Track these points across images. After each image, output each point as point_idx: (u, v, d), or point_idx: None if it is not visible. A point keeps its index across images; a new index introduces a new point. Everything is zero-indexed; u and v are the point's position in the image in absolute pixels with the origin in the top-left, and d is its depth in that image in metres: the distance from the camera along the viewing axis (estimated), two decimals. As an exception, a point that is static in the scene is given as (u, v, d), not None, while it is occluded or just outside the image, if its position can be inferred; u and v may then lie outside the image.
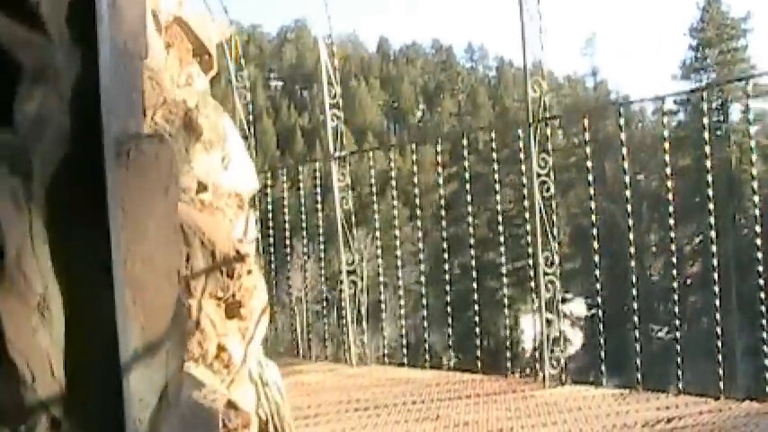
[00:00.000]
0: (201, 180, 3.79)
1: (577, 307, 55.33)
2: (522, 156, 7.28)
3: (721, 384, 6.17)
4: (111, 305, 1.76)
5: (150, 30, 3.54)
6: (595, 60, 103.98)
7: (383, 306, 10.37)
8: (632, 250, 7.28)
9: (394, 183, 10.19)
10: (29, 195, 1.69)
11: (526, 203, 7.27)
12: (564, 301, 54.15)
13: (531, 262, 7.21)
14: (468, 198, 8.69)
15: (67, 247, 1.75)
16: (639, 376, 6.57)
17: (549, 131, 7.03)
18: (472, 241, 9.39)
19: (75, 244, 1.77)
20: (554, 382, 6.87)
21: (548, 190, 6.95)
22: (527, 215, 7.21)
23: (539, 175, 6.91)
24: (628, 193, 7.41)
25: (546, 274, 6.93)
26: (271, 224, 9.95)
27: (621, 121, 7.03)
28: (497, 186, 8.56)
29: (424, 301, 9.34)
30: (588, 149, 7.94)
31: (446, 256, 8.87)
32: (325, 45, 8.85)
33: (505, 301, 9.23)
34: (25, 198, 1.69)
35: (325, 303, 9.75)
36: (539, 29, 6.90)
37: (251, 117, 10.36)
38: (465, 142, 8.44)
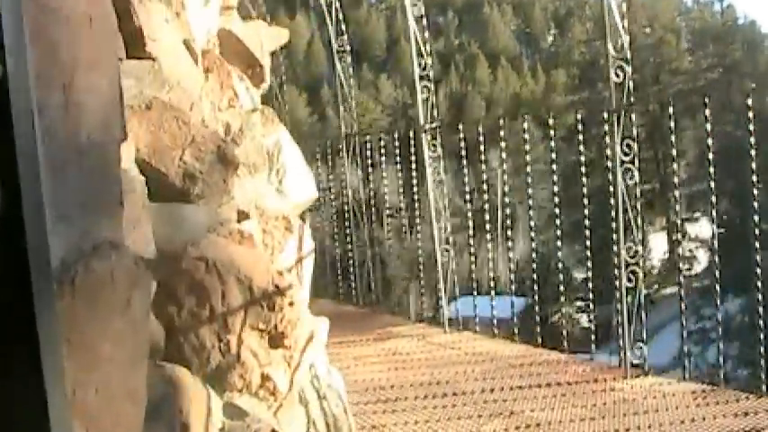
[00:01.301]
0: (243, 209, 3.75)
1: (705, 228, 54.00)
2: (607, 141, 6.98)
3: None
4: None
5: (183, 62, 3.48)
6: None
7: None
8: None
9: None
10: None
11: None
12: (689, 220, 53.03)
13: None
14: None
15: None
16: (760, 296, 6.43)
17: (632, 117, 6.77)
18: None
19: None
20: (637, 372, 6.68)
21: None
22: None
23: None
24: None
25: (628, 264, 6.72)
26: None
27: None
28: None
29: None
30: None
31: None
32: (413, 14, 8.58)
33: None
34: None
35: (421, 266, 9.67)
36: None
37: (351, 80, 10.28)
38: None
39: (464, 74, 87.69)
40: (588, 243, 7.89)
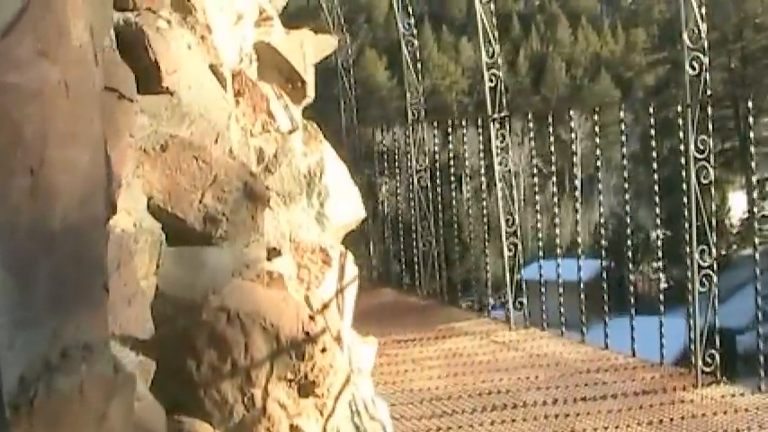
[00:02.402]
0: (274, 245, 3.50)
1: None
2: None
3: None
4: None
5: (208, 90, 3.21)
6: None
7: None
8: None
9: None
10: None
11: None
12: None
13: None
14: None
15: None
16: None
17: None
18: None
19: None
20: (708, 379, 6.34)
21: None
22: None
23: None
24: None
25: (701, 267, 6.36)
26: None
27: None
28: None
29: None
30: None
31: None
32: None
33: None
34: None
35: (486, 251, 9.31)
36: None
37: (419, 65, 10.01)
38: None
39: (544, 34, 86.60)
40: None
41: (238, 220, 3.23)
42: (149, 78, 2.92)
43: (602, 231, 8.84)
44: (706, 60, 6.30)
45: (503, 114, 8.60)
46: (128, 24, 2.84)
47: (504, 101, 8.41)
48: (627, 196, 7.93)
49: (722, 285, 6.75)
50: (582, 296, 7.74)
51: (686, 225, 6.47)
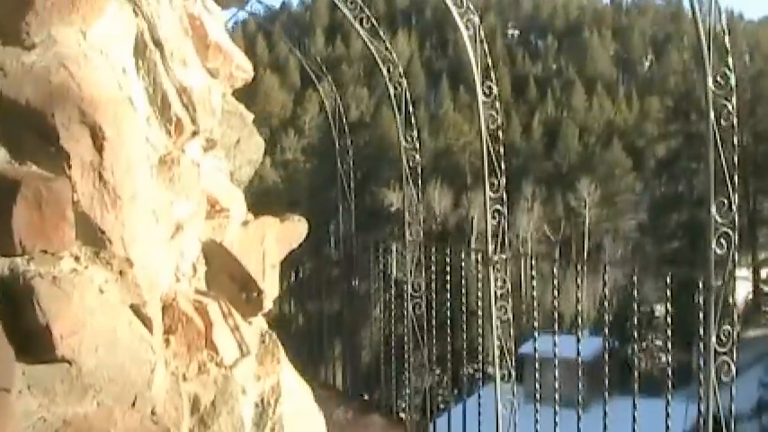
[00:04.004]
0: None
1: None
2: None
3: None
4: None
5: (125, 342, 2.48)
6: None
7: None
8: None
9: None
10: None
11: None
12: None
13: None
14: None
15: None
16: None
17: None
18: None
19: None
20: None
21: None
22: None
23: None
24: None
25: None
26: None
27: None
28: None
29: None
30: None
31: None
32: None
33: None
34: None
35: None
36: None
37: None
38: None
39: (559, 99, 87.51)
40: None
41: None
42: (39, 345, 2.24)
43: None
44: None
45: (505, 256, 7.67)
46: (14, 275, 2.05)
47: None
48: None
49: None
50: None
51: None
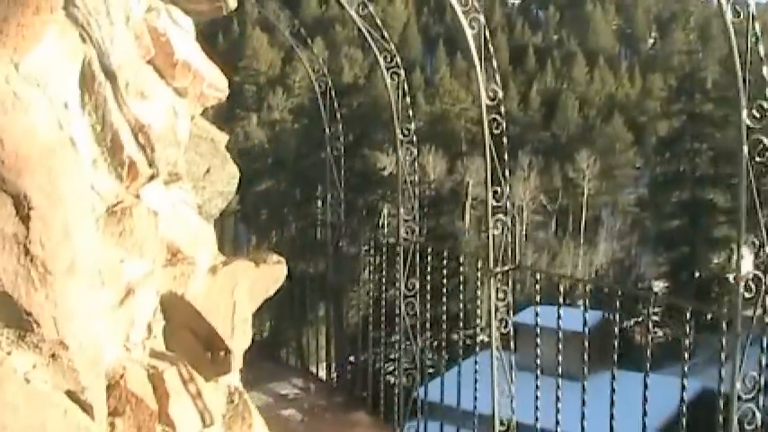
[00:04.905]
0: None
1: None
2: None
3: None
4: None
5: None
6: None
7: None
8: None
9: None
10: None
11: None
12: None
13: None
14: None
15: None
16: None
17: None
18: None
19: None
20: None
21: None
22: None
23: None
24: None
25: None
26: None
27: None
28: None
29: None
30: None
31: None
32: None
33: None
34: None
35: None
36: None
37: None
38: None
39: (559, 70, 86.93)
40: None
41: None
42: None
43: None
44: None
45: (506, 268, 7.05)
46: None
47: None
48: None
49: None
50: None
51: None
